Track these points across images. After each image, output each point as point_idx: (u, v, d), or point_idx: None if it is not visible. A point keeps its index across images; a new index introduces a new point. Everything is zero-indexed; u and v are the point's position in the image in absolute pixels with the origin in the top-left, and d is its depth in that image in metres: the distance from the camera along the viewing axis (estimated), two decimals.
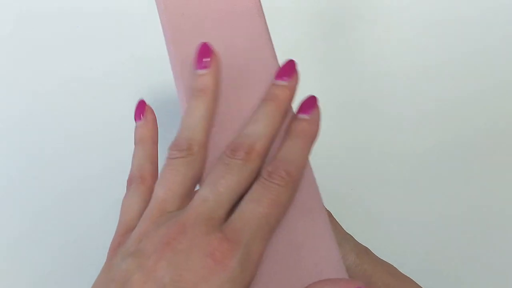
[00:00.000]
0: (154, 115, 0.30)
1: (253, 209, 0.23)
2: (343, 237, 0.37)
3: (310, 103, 0.28)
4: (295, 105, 0.28)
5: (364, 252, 0.37)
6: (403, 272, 0.38)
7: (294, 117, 0.27)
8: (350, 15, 0.50)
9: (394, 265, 0.38)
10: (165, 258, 0.21)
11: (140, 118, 0.29)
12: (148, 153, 0.28)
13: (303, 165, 0.26)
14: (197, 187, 0.26)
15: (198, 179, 0.26)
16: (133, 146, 0.30)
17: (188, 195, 0.25)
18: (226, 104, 0.28)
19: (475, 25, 0.53)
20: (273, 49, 0.30)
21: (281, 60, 0.29)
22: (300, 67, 0.44)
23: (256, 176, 0.25)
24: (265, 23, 0.31)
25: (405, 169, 0.48)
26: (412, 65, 0.50)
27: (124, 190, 0.28)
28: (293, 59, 0.29)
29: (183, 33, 0.30)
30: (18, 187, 0.44)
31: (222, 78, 0.29)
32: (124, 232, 0.25)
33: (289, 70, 0.28)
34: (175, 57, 0.29)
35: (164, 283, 0.20)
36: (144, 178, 0.27)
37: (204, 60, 0.27)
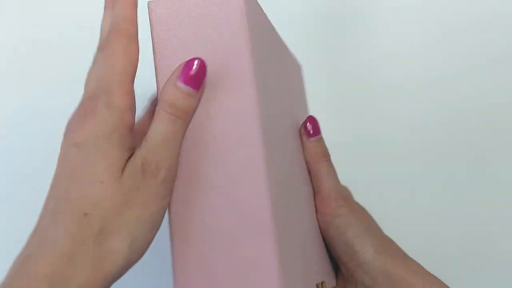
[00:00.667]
0: None
1: (109, 69, 0.27)
2: (365, 229, 0.36)
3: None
4: None
5: (386, 246, 0.36)
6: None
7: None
8: (352, 16, 0.50)
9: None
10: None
11: None
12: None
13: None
14: None
15: None
16: None
17: None
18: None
19: (477, 26, 0.52)
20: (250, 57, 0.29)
21: None
22: (302, 68, 0.44)
23: None
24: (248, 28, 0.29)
25: (405, 169, 0.48)
26: (414, 65, 0.50)
27: None
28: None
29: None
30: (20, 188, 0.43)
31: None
32: None
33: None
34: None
35: (68, 141, 0.26)
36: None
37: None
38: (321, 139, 0.38)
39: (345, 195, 0.37)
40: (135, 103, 0.27)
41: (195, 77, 0.26)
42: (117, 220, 0.24)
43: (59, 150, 0.27)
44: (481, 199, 0.48)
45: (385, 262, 0.34)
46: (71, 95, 0.43)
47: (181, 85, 0.26)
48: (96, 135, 0.25)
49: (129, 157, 0.26)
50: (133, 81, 0.27)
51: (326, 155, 0.38)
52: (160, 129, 0.26)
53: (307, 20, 0.50)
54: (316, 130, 0.37)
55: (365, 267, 0.35)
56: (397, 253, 0.36)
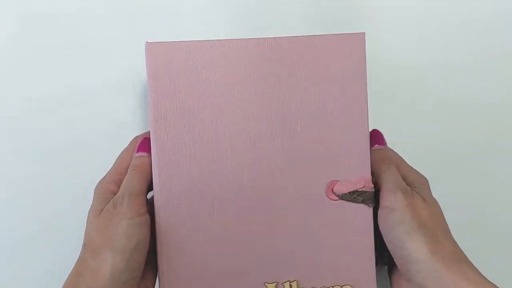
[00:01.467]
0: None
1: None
2: (419, 227, 0.36)
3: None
4: None
5: (442, 248, 0.36)
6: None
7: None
8: (350, 14, 0.49)
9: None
10: None
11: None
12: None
13: None
14: None
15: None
16: None
17: None
18: None
19: (477, 25, 0.49)
20: None
21: None
22: None
23: None
24: None
25: None
26: (413, 64, 0.49)
27: None
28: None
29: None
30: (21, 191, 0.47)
31: None
32: None
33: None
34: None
35: None
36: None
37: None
38: (385, 149, 0.41)
39: (406, 191, 0.38)
40: (121, 176, 0.40)
41: (142, 146, 0.41)
42: (99, 241, 0.37)
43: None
44: (482, 200, 0.48)
45: (437, 264, 0.35)
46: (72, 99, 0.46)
47: (136, 154, 0.41)
48: (93, 199, 0.40)
49: None
50: (122, 174, 0.40)
51: (387, 160, 0.40)
52: (125, 179, 0.40)
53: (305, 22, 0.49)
54: (377, 141, 0.41)
55: (416, 266, 0.36)
56: (453, 256, 0.36)
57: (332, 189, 0.40)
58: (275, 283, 0.40)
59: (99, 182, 0.41)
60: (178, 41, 0.39)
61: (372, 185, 0.40)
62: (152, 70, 0.39)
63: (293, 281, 0.40)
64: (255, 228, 0.40)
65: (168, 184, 0.39)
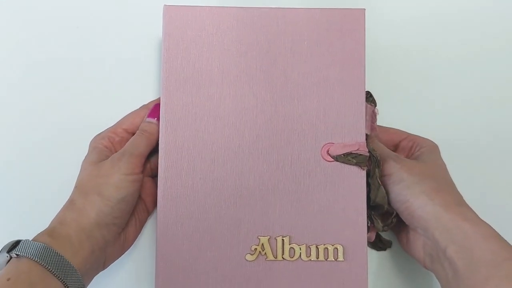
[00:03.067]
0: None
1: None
2: (416, 181, 0.40)
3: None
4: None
5: (440, 193, 0.39)
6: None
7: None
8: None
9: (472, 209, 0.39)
10: None
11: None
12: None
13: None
14: None
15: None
16: None
17: None
18: None
19: (478, 21, 0.51)
20: None
21: None
22: None
23: None
24: None
25: None
26: (414, 62, 0.51)
27: None
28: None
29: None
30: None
31: None
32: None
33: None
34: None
35: None
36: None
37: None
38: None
39: (396, 157, 0.42)
40: (115, 135, 0.44)
41: (153, 112, 0.44)
42: (90, 185, 0.40)
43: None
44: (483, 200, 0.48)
45: (437, 207, 0.38)
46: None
47: (147, 119, 0.44)
48: (88, 151, 0.43)
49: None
50: (117, 133, 0.44)
51: (372, 138, 0.44)
52: (132, 139, 0.43)
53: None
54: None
55: (419, 212, 0.39)
56: (451, 199, 0.39)
57: (328, 151, 0.42)
58: (268, 237, 0.41)
59: (95, 136, 0.44)
60: (194, 6, 0.43)
61: (367, 150, 0.42)
62: (168, 31, 0.42)
63: (286, 236, 0.41)
64: (252, 184, 0.42)
65: (173, 138, 0.42)
